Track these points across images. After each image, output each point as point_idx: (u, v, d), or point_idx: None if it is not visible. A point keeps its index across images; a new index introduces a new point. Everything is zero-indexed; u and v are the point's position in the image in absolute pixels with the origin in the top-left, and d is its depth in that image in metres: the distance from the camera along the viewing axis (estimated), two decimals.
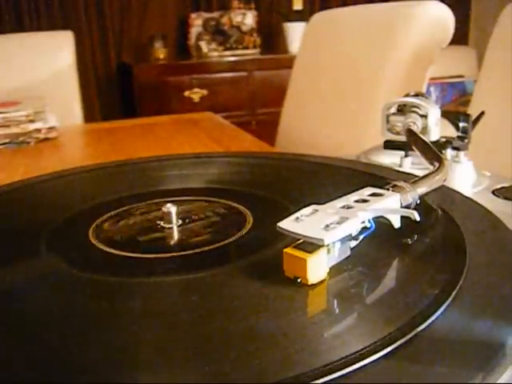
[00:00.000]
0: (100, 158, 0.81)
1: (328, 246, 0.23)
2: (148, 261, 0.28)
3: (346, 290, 0.23)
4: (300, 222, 0.24)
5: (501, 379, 0.18)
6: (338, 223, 0.24)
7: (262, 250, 0.27)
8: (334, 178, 0.41)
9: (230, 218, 0.33)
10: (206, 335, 0.21)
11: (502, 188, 0.40)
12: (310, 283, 0.23)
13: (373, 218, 0.25)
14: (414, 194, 0.28)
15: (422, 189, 0.29)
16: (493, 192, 0.40)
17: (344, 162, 0.43)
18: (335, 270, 0.24)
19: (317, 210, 0.25)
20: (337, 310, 0.22)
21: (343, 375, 0.17)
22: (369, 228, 0.25)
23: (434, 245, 0.28)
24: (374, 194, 0.27)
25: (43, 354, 0.20)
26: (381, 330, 0.20)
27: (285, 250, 0.23)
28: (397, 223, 0.26)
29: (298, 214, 0.25)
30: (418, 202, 0.28)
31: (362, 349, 0.18)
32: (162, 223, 0.32)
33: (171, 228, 0.31)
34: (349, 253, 0.25)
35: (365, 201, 0.26)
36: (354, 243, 0.25)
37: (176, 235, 0.31)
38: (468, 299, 0.22)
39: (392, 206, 0.27)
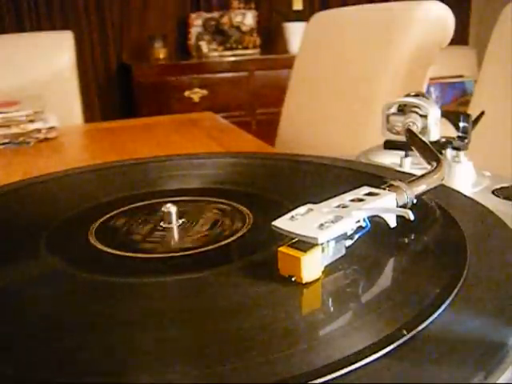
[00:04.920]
0: (100, 158, 0.81)
1: (322, 244, 0.23)
2: (148, 261, 0.28)
3: (342, 289, 0.23)
4: (295, 221, 0.24)
5: (501, 379, 0.18)
6: (332, 222, 0.24)
7: (262, 250, 0.27)
8: (333, 177, 0.41)
9: (230, 218, 0.33)
10: (205, 335, 0.21)
11: (502, 188, 0.40)
12: (304, 282, 0.23)
13: (368, 218, 0.25)
14: (410, 194, 0.28)
15: (419, 188, 0.29)
16: (493, 192, 0.40)
17: (344, 162, 0.43)
18: (330, 269, 0.24)
19: (312, 209, 0.25)
20: (335, 310, 0.22)
21: (342, 375, 0.17)
22: (364, 227, 0.25)
23: (434, 244, 0.28)
24: (369, 194, 0.27)
25: (42, 354, 0.20)
26: (380, 329, 0.20)
27: (279, 248, 0.23)
28: (392, 223, 0.26)
29: (293, 213, 0.25)
30: (415, 201, 0.28)
31: (362, 348, 0.18)
32: (161, 223, 0.32)
33: (171, 228, 0.31)
34: (344, 252, 0.25)
35: (360, 200, 0.26)
36: (349, 242, 0.25)
37: (176, 235, 0.31)
38: (468, 299, 0.22)
39: (387, 205, 0.27)
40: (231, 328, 0.21)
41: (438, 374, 0.17)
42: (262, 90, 2.18)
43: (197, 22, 2.31)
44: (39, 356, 0.20)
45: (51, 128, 0.92)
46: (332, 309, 0.22)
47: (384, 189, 0.28)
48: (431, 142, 0.40)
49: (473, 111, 0.47)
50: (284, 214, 0.25)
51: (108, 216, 0.34)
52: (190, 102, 2.11)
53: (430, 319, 0.20)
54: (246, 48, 2.34)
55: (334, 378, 0.17)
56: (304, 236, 0.23)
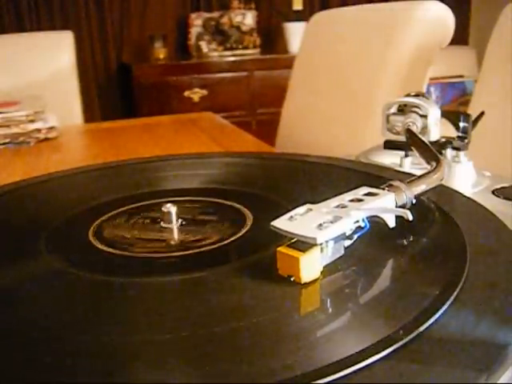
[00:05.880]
0: (100, 158, 0.81)
1: (321, 245, 0.23)
2: (148, 261, 0.28)
3: (341, 289, 0.23)
4: (294, 221, 0.24)
5: (501, 379, 0.18)
6: (331, 222, 0.24)
7: (262, 250, 0.27)
8: (333, 177, 0.41)
9: (230, 217, 0.33)
10: (205, 335, 0.21)
11: (502, 188, 0.40)
12: (303, 282, 0.23)
13: (367, 218, 0.25)
14: (409, 194, 0.28)
15: (418, 188, 0.29)
16: (493, 192, 0.40)
17: (344, 161, 0.43)
18: (329, 270, 0.24)
19: (311, 210, 0.25)
20: (334, 310, 0.22)
21: (342, 376, 0.17)
22: (363, 227, 0.25)
23: (434, 245, 0.28)
24: (368, 194, 0.27)
25: (43, 354, 0.20)
26: (380, 330, 0.20)
27: (278, 248, 0.23)
28: (391, 223, 0.26)
29: (292, 213, 0.25)
30: (414, 201, 0.28)
31: (362, 349, 0.18)
32: (162, 223, 0.32)
33: (171, 228, 0.31)
34: (342, 252, 0.25)
35: (359, 200, 0.26)
36: (348, 242, 0.25)
37: (176, 235, 0.31)
38: (469, 299, 0.22)
39: (386, 205, 0.27)
40: (230, 328, 0.21)
41: (439, 374, 0.17)
42: (262, 89, 2.18)
43: (197, 21, 2.31)
44: (39, 356, 0.20)
45: (51, 128, 0.92)
46: (331, 309, 0.22)
47: (383, 189, 0.28)
48: (431, 142, 0.40)
49: (473, 111, 0.47)
50: (283, 214, 0.25)
51: (108, 216, 0.34)
52: (190, 102, 2.11)
53: (431, 320, 0.20)
54: (246, 48, 2.34)
55: (334, 379, 0.17)
56: (303, 236, 0.23)
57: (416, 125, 0.41)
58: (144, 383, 0.18)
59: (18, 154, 0.85)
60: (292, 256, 0.23)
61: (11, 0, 2.12)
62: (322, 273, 0.24)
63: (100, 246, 0.30)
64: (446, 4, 0.85)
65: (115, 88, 2.34)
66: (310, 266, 0.23)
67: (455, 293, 0.22)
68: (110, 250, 0.29)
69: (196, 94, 2.12)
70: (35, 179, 0.44)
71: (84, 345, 0.20)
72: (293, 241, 0.24)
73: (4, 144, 0.88)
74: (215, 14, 2.33)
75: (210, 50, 2.31)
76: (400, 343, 0.19)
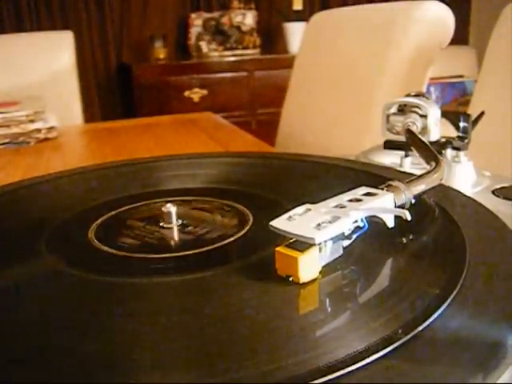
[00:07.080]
0: (100, 158, 0.81)
1: (319, 244, 0.23)
2: (148, 261, 0.28)
3: (340, 289, 0.23)
4: (292, 221, 0.24)
5: (501, 379, 0.18)
6: (329, 222, 0.24)
7: (262, 250, 0.27)
8: (333, 177, 0.41)
9: (230, 217, 0.33)
10: (204, 336, 0.21)
11: (502, 188, 0.40)
12: (301, 282, 0.23)
13: (366, 218, 0.25)
14: (408, 194, 0.28)
15: (418, 188, 0.29)
16: (493, 192, 0.40)
17: (344, 161, 0.43)
18: (328, 269, 0.24)
19: (309, 210, 0.25)
20: (332, 310, 0.22)
21: (342, 375, 0.17)
22: (362, 227, 0.25)
23: (434, 244, 0.28)
24: (367, 194, 0.27)
25: (42, 354, 0.20)
26: (379, 330, 0.20)
27: (277, 248, 0.24)
28: (390, 223, 0.26)
29: (290, 213, 0.25)
30: (413, 201, 0.28)
31: (362, 349, 0.18)
32: (161, 223, 0.32)
33: (171, 228, 0.31)
34: (341, 252, 0.25)
35: (358, 200, 0.26)
36: (346, 242, 0.25)
37: (176, 235, 0.31)
38: (468, 299, 0.22)
39: (385, 205, 0.27)
40: (229, 328, 0.21)
41: (438, 374, 0.17)
42: (262, 90, 2.18)
43: (197, 22, 2.31)
44: (38, 356, 0.20)
45: (51, 128, 0.92)
46: (329, 309, 0.22)
47: (382, 189, 0.28)
48: (431, 142, 0.40)
49: (473, 111, 0.47)
50: (283, 214, 0.25)
51: (108, 216, 0.34)
52: (190, 102, 2.11)
53: (430, 320, 0.20)
54: (246, 48, 2.34)
55: (333, 379, 0.17)
56: (301, 236, 0.23)
57: (416, 125, 0.41)
58: (144, 383, 0.18)
59: (17, 153, 0.85)
60: (290, 256, 0.23)
61: (11, 0, 2.12)
62: (320, 273, 0.24)
63: (100, 246, 0.30)
64: (446, 4, 0.85)
65: (115, 88, 2.34)
66: (309, 266, 0.23)
67: (454, 292, 0.22)
68: (110, 250, 0.29)
69: (196, 94, 2.12)
70: (35, 179, 0.44)
71: (84, 345, 0.20)
72: (291, 241, 0.24)
73: (4, 144, 0.88)
74: (215, 14, 2.33)
75: (210, 50, 2.31)
76: (399, 343, 0.19)
